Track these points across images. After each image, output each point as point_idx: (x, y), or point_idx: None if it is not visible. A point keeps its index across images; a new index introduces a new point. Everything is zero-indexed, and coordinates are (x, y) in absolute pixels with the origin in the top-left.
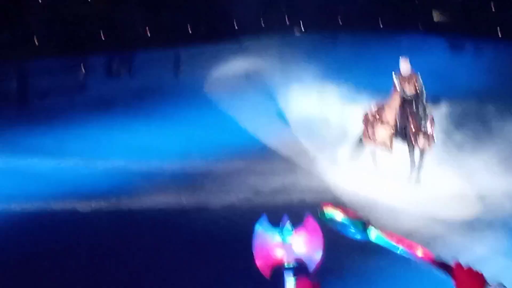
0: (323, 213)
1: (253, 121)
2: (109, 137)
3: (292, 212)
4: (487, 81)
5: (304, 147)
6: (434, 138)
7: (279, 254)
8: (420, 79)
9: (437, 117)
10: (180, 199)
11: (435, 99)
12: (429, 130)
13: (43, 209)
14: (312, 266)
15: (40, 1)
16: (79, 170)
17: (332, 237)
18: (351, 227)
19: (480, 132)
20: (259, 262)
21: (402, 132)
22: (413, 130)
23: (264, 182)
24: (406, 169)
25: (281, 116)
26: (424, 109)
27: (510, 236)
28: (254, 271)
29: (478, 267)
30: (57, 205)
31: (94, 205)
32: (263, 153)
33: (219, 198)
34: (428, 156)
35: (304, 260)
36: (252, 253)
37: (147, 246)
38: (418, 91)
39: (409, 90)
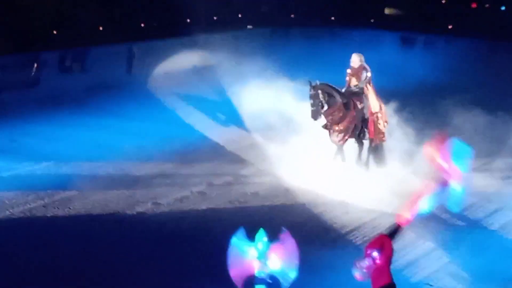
0: None
1: (206, 116)
2: (61, 133)
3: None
4: (439, 75)
5: (257, 141)
6: (382, 131)
7: (254, 267)
8: (367, 72)
9: (390, 110)
10: (132, 195)
11: (387, 93)
12: (347, 124)
13: None
14: (285, 283)
15: None
16: (30, 165)
17: None
18: None
19: (432, 125)
20: (233, 273)
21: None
22: (330, 122)
23: (217, 176)
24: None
25: (233, 111)
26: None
27: (456, 230)
28: (210, 265)
29: (426, 260)
30: (11, 201)
31: (46, 201)
32: (216, 148)
33: (172, 192)
34: (378, 150)
35: (278, 276)
36: (209, 247)
37: (101, 245)
38: (360, 83)
39: (352, 83)
